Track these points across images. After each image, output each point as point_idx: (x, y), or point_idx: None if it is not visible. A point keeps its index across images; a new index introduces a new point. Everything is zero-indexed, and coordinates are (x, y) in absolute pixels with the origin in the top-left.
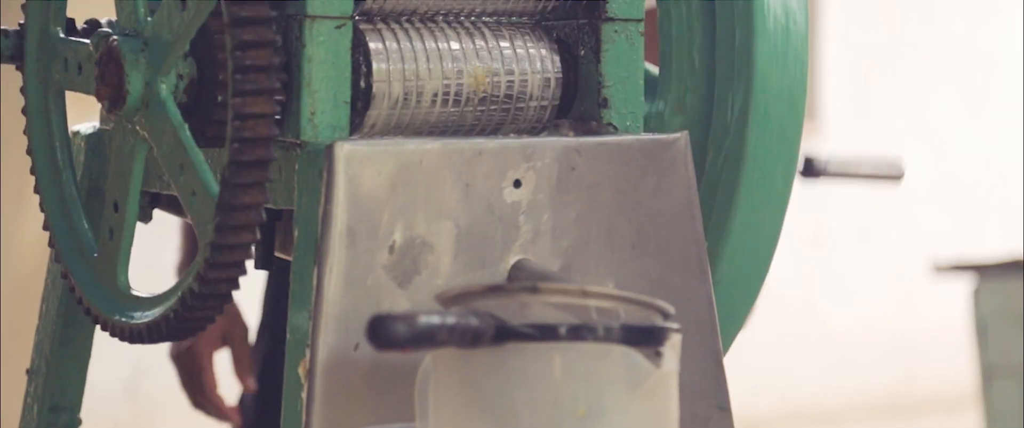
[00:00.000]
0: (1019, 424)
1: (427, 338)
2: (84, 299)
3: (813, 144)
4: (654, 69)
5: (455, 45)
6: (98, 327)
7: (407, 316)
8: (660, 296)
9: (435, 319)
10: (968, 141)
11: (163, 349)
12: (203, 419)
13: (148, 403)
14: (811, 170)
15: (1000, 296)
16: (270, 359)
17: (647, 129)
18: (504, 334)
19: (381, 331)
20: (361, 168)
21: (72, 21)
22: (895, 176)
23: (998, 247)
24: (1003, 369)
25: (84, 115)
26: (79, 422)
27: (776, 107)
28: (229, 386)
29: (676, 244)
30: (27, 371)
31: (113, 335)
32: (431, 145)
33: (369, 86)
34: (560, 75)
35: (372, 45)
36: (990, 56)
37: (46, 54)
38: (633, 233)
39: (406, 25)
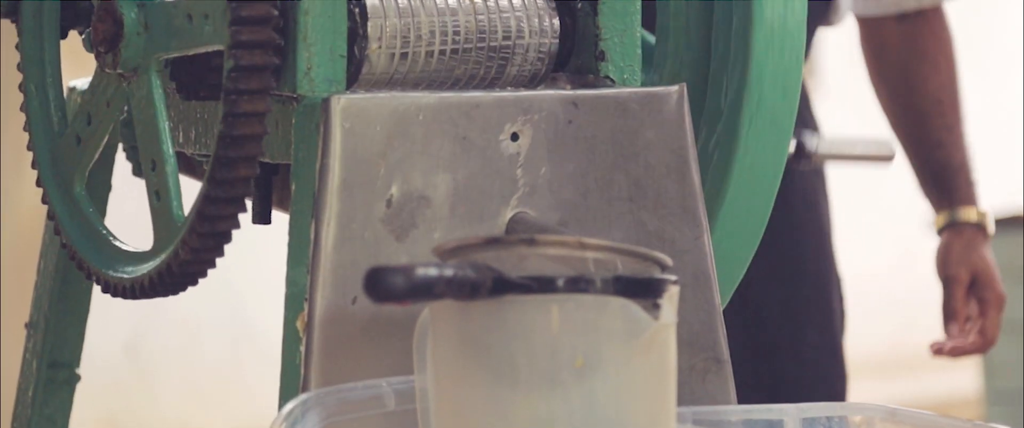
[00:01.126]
0: (1019, 378)
1: (424, 290)
2: (77, 254)
3: (813, 100)
4: (650, 37)
5: None
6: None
7: (404, 268)
8: (657, 249)
9: (433, 271)
10: (968, 96)
11: (163, 310)
12: (203, 381)
13: (149, 363)
14: (802, 153)
15: (1000, 252)
16: None
17: None
18: (502, 286)
19: (378, 283)
20: (358, 121)
21: None
22: (887, 157)
23: (998, 203)
24: (1003, 324)
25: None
26: (78, 378)
27: (771, 94)
28: None
29: (673, 197)
30: (26, 325)
31: (106, 291)
32: (428, 98)
33: (365, 40)
34: (557, 28)
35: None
36: (991, 11)
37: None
38: (630, 186)
39: None
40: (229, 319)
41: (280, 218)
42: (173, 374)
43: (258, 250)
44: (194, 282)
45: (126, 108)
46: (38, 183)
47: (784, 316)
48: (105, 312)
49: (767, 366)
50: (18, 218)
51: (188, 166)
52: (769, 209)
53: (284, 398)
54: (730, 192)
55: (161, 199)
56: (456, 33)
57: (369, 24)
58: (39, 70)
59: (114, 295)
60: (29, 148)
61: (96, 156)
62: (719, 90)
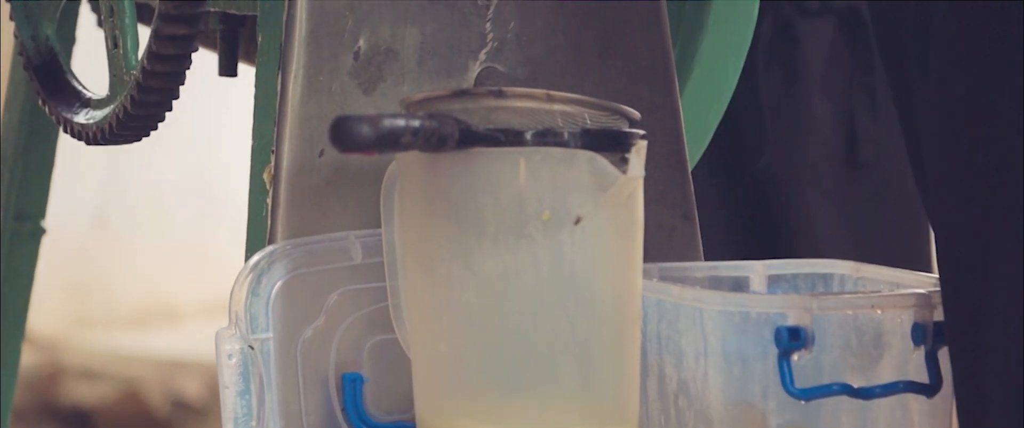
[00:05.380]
0: None
1: (391, 140)
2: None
3: None
4: None
5: None
6: (60, 137)
7: (371, 118)
8: (626, 105)
9: (400, 121)
10: None
11: (131, 176)
12: (172, 248)
13: (117, 230)
14: None
15: None
16: None
17: None
18: (469, 138)
19: (345, 132)
20: None
21: None
22: None
23: None
24: None
25: None
26: (43, 231)
27: None
28: None
29: (643, 54)
30: None
31: (69, 133)
32: None
33: None
34: None
35: None
36: None
37: None
38: (599, 42)
39: None
40: (198, 184)
41: (247, 73)
42: (142, 240)
43: (226, 115)
44: (152, 127)
45: None
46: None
47: None
48: (72, 177)
49: None
50: None
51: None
52: (740, 67)
53: (250, 250)
54: (701, 49)
55: (117, 46)
56: None
57: None
58: None
59: (78, 139)
60: None
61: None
62: None
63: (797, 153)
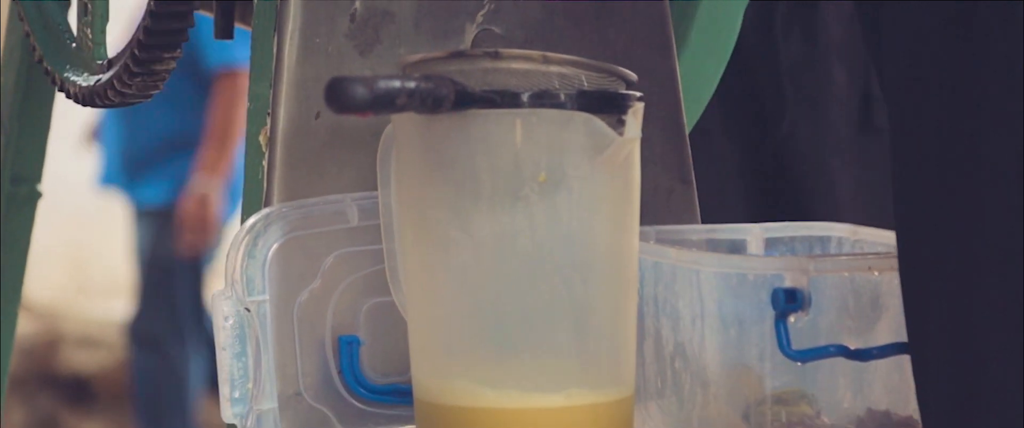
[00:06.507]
0: None
1: (386, 101)
2: (44, 62)
3: None
4: None
5: None
6: (56, 99)
7: (366, 79)
8: (624, 67)
9: (395, 82)
10: None
11: None
12: None
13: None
14: None
15: None
16: None
17: None
18: (465, 100)
19: (339, 93)
20: None
21: None
22: None
23: None
24: None
25: None
26: (39, 194)
27: None
28: None
29: (641, 16)
30: None
31: (67, 97)
32: None
33: None
34: None
35: None
36: None
37: None
38: (597, 4)
39: None
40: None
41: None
42: None
43: None
44: (150, 92)
45: None
46: None
47: None
48: (72, 144)
49: None
50: None
51: None
52: (736, 30)
53: (247, 212)
54: (699, 12)
55: (88, 12)
56: None
57: None
58: None
59: (76, 102)
60: None
61: None
62: None
63: (818, 119)
